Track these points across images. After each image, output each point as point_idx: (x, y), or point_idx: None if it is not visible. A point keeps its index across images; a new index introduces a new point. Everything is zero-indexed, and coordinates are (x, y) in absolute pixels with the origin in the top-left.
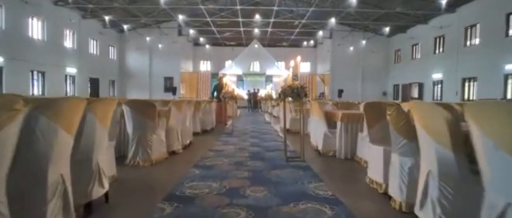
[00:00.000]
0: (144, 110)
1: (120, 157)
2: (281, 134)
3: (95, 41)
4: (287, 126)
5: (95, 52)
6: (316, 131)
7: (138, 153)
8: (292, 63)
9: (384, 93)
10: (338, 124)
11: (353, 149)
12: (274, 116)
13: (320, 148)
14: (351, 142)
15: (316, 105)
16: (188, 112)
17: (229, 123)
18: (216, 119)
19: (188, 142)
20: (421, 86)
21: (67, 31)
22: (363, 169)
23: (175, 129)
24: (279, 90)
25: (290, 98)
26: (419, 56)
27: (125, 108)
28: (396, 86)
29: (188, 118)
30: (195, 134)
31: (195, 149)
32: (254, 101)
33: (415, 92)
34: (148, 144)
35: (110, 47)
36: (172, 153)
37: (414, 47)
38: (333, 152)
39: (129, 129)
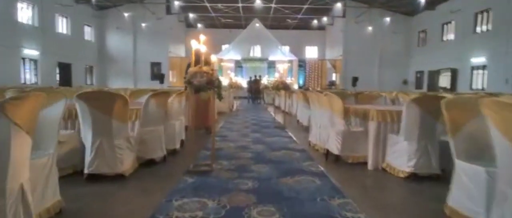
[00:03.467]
0: None
1: None
2: (324, 172)
3: (64, 18)
4: (332, 148)
5: (65, 32)
6: None
7: None
8: None
9: (405, 82)
10: None
11: None
12: (285, 112)
13: None
14: None
15: None
16: None
17: (220, 125)
18: (194, 122)
19: None
20: (454, 73)
21: (24, 3)
22: None
23: None
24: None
25: None
26: (452, 37)
27: None
28: (419, 74)
29: None
30: (107, 180)
31: None
32: (255, 91)
33: (444, 81)
34: None
35: (85, 26)
36: None
37: (446, 26)
38: None
39: None
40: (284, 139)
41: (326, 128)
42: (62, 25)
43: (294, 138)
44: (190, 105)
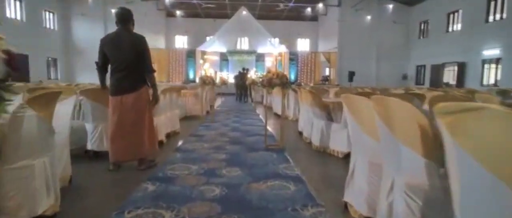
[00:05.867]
0: None
1: None
2: None
3: (17, 2)
4: None
5: (18, 18)
6: None
7: None
8: None
9: (405, 77)
10: None
11: None
12: (277, 114)
13: None
14: None
15: None
16: None
17: (177, 144)
18: (112, 151)
19: None
20: (462, 67)
21: None
22: None
23: None
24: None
25: None
26: (459, 28)
27: None
28: (420, 68)
29: None
30: None
31: None
32: (241, 86)
33: (449, 76)
34: None
35: (46, 12)
36: None
37: (452, 15)
38: None
39: None
40: (289, 188)
41: (422, 201)
42: (14, 10)
43: (307, 184)
44: (109, 118)
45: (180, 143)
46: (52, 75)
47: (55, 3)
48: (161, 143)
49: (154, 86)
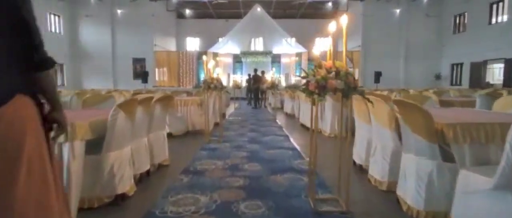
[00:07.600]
0: None
1: None
2: None
3: None
4: None
5: None
6: None
7: None
8: None
9: (438, 77)
10: None
11: None
12: (305, 126)
13: None
14: None
15: None
16: None
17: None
18: None
19: None
20: (510, 63)
21: None
22: None
23: None
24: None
25: None
26: (505, 19)
27: None
28: (456, 67)
29: None
30: None
31: None
32: (256, 91)
33: (490, 75)
34: None
35: (51, 15)
36: None
37: (495, 6)
38: None
39: None
40: None
41: None
42: None
43: None
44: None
45: (159, 195)
46: (58, 81)
47: (61, 6)
48: (122, 197)
49: (53, 95)
